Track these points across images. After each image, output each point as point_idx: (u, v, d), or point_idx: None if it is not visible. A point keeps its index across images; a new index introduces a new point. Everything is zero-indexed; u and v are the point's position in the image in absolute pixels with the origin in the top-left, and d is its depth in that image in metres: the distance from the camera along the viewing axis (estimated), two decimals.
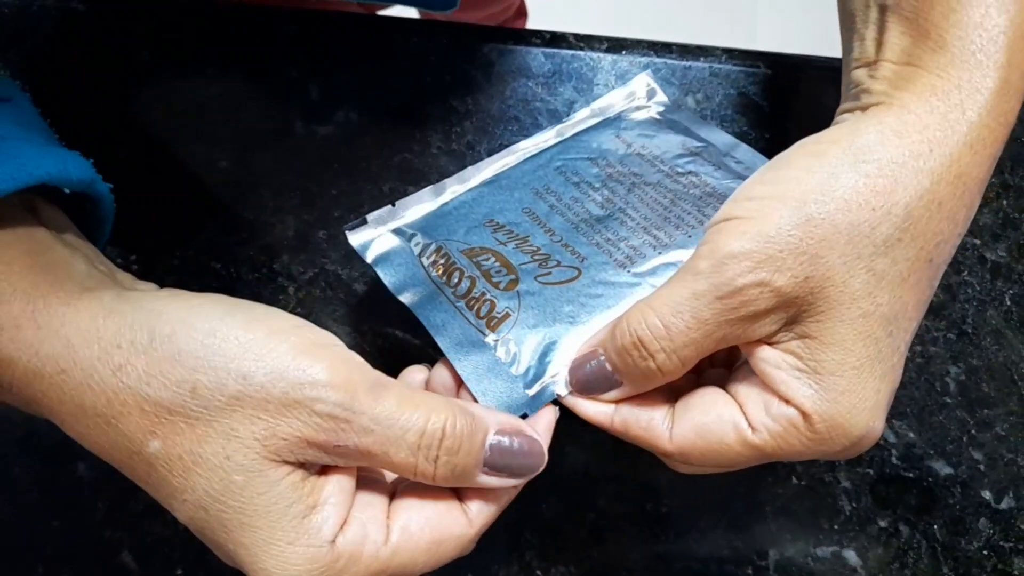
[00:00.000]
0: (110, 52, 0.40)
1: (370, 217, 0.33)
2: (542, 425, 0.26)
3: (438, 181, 0.38)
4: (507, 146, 0.38)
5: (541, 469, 0.25)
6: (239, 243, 0.38)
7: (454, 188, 0.34)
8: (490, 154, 0.39)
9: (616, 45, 0.40)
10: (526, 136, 0.39)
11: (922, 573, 0.35)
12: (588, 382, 0.26)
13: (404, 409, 0.23)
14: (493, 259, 0.31)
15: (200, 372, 0.22)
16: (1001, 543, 0.36)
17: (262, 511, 0.22)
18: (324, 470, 0.23)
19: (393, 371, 0.27)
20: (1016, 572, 0.36)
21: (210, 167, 0.39)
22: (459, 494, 0.25)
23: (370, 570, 0.23)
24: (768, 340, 0.24)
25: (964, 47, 0.24)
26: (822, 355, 0.23)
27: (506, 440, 0.24)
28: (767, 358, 0.24)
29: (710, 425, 0.25)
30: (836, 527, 0.36)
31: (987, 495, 0.37)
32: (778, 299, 0.23)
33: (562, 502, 0.36)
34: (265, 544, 0.21)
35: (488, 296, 0.29)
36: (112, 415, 0.22)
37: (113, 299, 0.23)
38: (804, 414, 0.23)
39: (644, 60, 0.40)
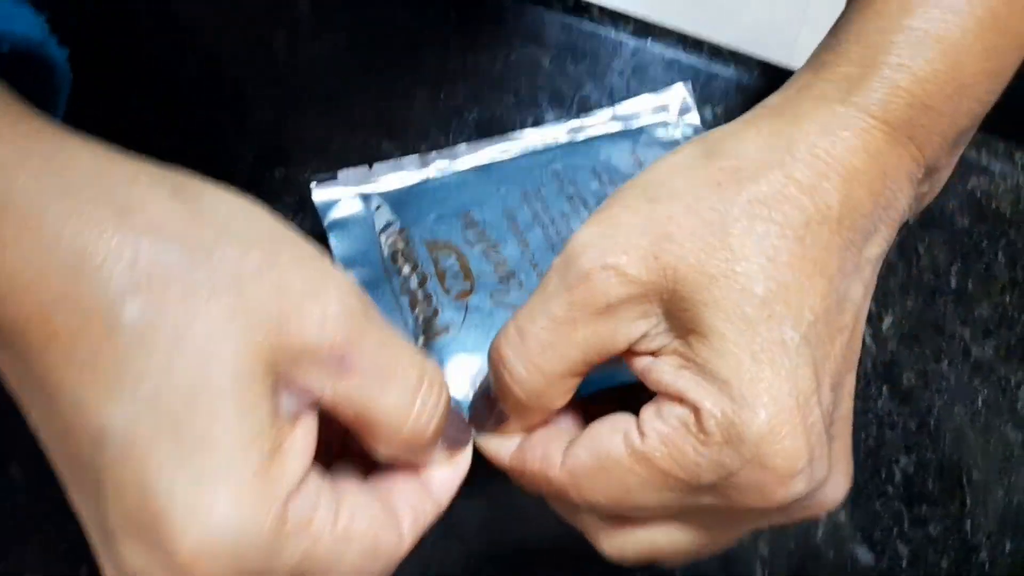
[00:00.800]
0: None
1: (341, 174, 0.30)
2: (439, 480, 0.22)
3: (415, 138, 0.35)
4: (497, 118, 0.35)
5: (471, 442, 0.23)
6: (185, 158, 0.34)
7: (440, 164, 0.31)
8: (478, 124, 0.35)
9: (643, 29, 0.36)
10: (520, 111, 0.35)
11: None
12: (476, 412, 0.24)
13: (409, 346, 0.20)
14: (454, 259, 0.28)
15: (224, 237, 0.18)
16: None
17: (234, 428, 0.17)
18: (292, 419, 0.19)
19: None
20: None
21: (175, 66, 0.35)
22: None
23: (310, 558, 0.18)
24: (651, 350, 0.22)
25: (856, 42, 0.22)
26: (701, 346, 0.20)
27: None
28: (651, 366, 0.22)
29: (600, 437, 0.22)
30: None
31: None
32: (632, 286, 0.20)
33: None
34: (223, 469, 0.17)
35: (434, 302, 0.27)
36: (92, 260, 0.17)
37: (119, 151, 0.19)
38: (694, 409, 0.20)
39: (670, 53, 0.36)
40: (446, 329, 0.26)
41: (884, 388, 0.36)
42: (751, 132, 0.22)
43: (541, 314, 0.21)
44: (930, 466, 0.36)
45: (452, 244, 0.28)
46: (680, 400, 0.20)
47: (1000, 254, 0.36)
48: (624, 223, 0.21)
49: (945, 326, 0.36)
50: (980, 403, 0.36)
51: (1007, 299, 0.36)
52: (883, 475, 0.36)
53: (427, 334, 0.26)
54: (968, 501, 0.36)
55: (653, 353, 0.22)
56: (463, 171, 0.31)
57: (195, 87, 0.35)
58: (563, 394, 0.22)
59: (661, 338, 0.21)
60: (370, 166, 0.31)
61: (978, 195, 0.36)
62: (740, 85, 0.36)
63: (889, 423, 0.36)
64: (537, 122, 0.35)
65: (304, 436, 0.19)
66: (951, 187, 0.32)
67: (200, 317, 0.17)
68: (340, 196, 0.30)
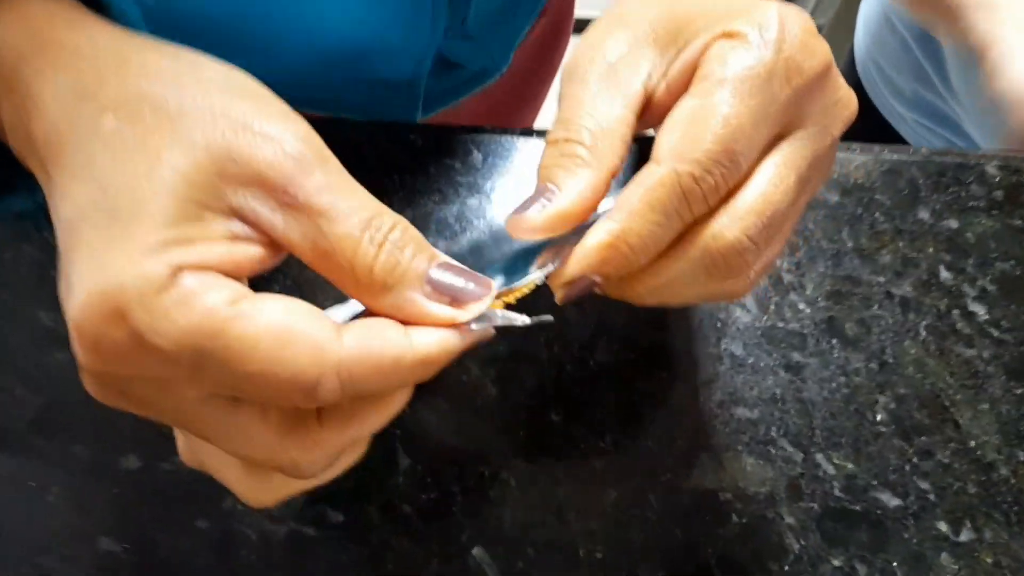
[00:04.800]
0: None
1: None
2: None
3: None
4: (430, 214, 0.41)
5: (487, 299, 0.22)
6: None
7: None
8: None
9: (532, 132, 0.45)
10: (448, 206, 0.42)
11: None
12: (524, 205, 0.25)
13: (364, 193, 0.21)
14: None
15: (201, 83, 0.21)
16: None
17: (153, 216, 0.20)
18: (222, 236, 0.21)
19: None
20: None
21: None
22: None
23: (200, 329, 0.19)
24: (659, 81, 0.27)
25: None
26: (716, 28, 0.26)
27: (454, 266, 0.23)
28: (679, 66, 0.27)
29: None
30: (786, 568, 0.33)
31: (943, 527, 0.34)
32: (624, 43, 0.27)
33: (490, 550, 0.33)
34: (128, 240, 0.19)
35: None
36: (87, 89, 0.21)
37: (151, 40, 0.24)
38: (729, 35, 0.25)
39: None
40: None
41: (834, 341, 0.38)
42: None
43: (573, 93, 0.26)
44: (908, 399, 0.37)
45: None
46: (717, 52, 0.25)
47: (877, 212, 0.41)
48: (595, 30, 0.28)
49: (861, 278, 0.40)
50: (924, 332, 0.38)
51: (899, 245, 0.40)
52: (870, 418, 0.36)
53: None
54: (961, 421, 0.36)
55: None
56: None
57: None
58: (625, 140, 0.26)
59: (666, 71, 0.27)
60: None
61: (836, 176, 0.42)
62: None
63: (852, 371, 0.37)
64: None
65: (224, 249, 0.21)
66: None
67: (157, 134, 0.21)
68: None
